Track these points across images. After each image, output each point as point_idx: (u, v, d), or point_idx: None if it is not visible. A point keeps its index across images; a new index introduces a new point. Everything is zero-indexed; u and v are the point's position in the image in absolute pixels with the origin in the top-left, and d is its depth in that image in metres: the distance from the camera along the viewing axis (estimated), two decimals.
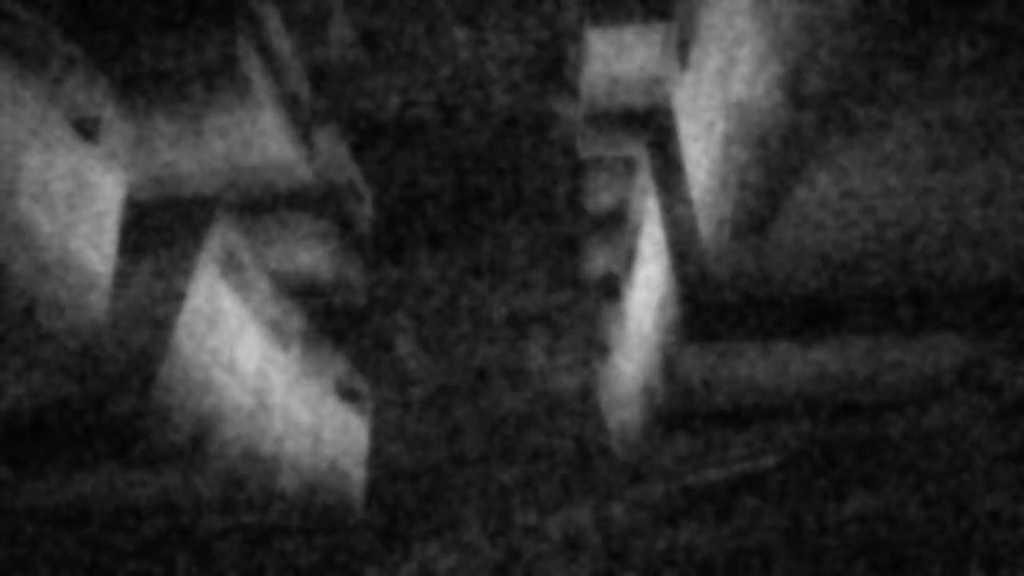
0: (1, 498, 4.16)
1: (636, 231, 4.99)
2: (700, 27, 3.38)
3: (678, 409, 4.57)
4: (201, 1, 3.49)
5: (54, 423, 3.41)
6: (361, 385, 6.45)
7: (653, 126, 4.34)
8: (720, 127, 3.21)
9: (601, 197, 4.94)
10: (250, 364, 4.49)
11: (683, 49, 3.68)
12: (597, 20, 3.82)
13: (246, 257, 4.45)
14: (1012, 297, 3.53)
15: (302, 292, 5.14)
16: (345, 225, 5.08)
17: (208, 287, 4.00)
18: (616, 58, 4.02)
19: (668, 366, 4.01)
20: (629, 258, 5.24)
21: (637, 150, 4.50)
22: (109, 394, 3.45)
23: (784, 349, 3.64)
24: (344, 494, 5.99)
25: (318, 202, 4.34)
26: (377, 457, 6.40)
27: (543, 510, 6.01)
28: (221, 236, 4.15)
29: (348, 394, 6.24)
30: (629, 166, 4.72)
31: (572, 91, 5.38)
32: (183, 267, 3.83)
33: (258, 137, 3.82)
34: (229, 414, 4.17)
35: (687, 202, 3.87)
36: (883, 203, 2.68)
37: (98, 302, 3.24)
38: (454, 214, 7.32)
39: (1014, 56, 1.96)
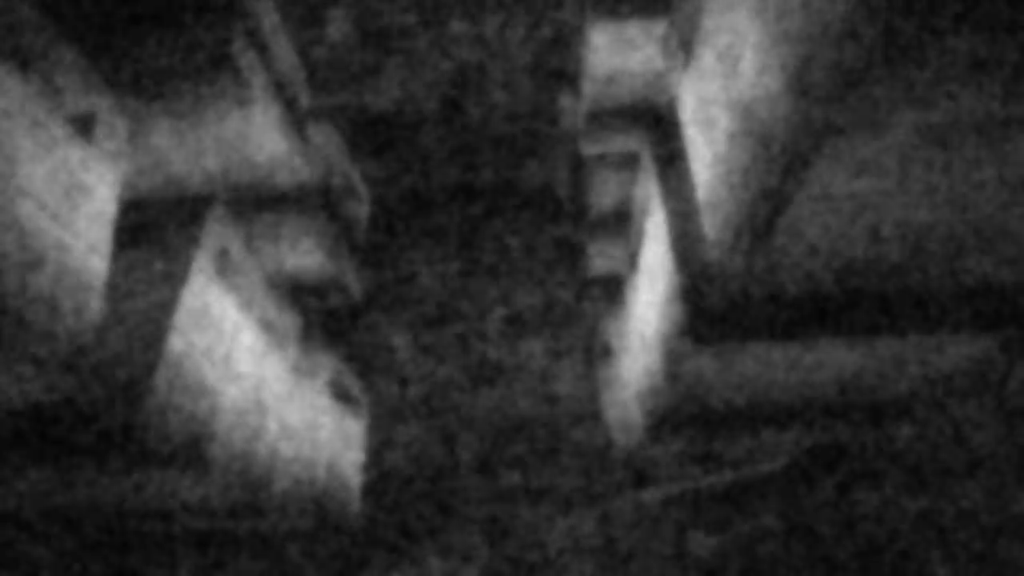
0: None
1: (639, 230, 4.96)
2: (703, 22, 3.34)
3: (681, 411, 4.54)
4: None
5: (48, 424, 3.38)
6: (357, 387, 6.41)
7: (656, 123, 4.30)
8: (724, 124, 3.17)
9: (603, 195, 4.91)
10: (245, 365, 4.45)
11: (686, 44, 3.64)
12: (599, 15, 3.78)
13: (242, 256, 4.41)
14: (1017, 298, 3.50)
15: (298, 292, 5.11)
16: (342, 224, 5.04)
17: (203, 286, 3.95)
18: (618, 54, 3.99)
19: (671, 367, 3.97)
20: (631, 257, 5.20)
21: (640, 147, 4.47)
22: (103, 395, 3.41)
23: (789, 350, 3.60)
24: (340, 497, 5.95)
25: (315, 201, 4.30)
26: (374, 460, 6.36)
27: (544, 514, 5.97)
28: (217, 235, 4.11)
29: (344, 396, 6.19)
30: (632, 163, 4.68)
31: (573, 87, 5.34)
32: (178, 266, 3.79)
33: (254, 135, 3.79)
34: (224, 415, 4.12)
35: (691, 200, 3.82)
36: (888, 202, 2.65)
37: (92, 301, 3.20)
38: (453, 213, 7.29)
39: (1017, 54, 1.93)
